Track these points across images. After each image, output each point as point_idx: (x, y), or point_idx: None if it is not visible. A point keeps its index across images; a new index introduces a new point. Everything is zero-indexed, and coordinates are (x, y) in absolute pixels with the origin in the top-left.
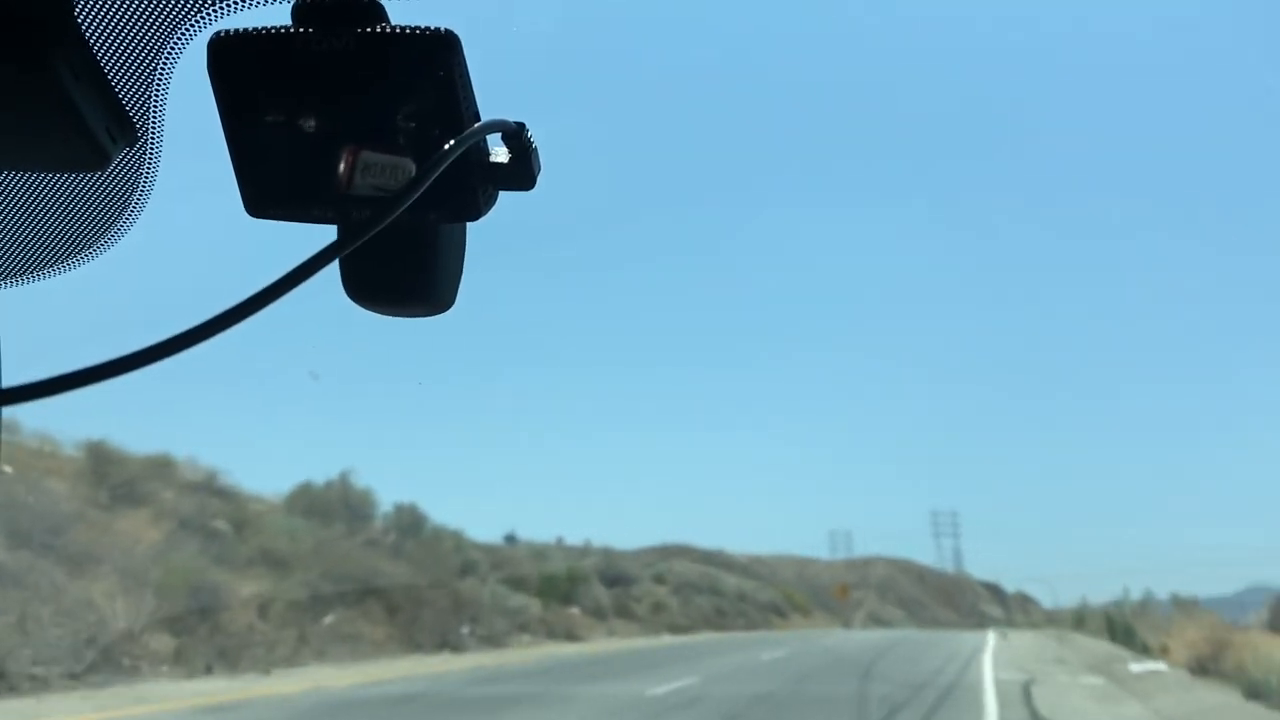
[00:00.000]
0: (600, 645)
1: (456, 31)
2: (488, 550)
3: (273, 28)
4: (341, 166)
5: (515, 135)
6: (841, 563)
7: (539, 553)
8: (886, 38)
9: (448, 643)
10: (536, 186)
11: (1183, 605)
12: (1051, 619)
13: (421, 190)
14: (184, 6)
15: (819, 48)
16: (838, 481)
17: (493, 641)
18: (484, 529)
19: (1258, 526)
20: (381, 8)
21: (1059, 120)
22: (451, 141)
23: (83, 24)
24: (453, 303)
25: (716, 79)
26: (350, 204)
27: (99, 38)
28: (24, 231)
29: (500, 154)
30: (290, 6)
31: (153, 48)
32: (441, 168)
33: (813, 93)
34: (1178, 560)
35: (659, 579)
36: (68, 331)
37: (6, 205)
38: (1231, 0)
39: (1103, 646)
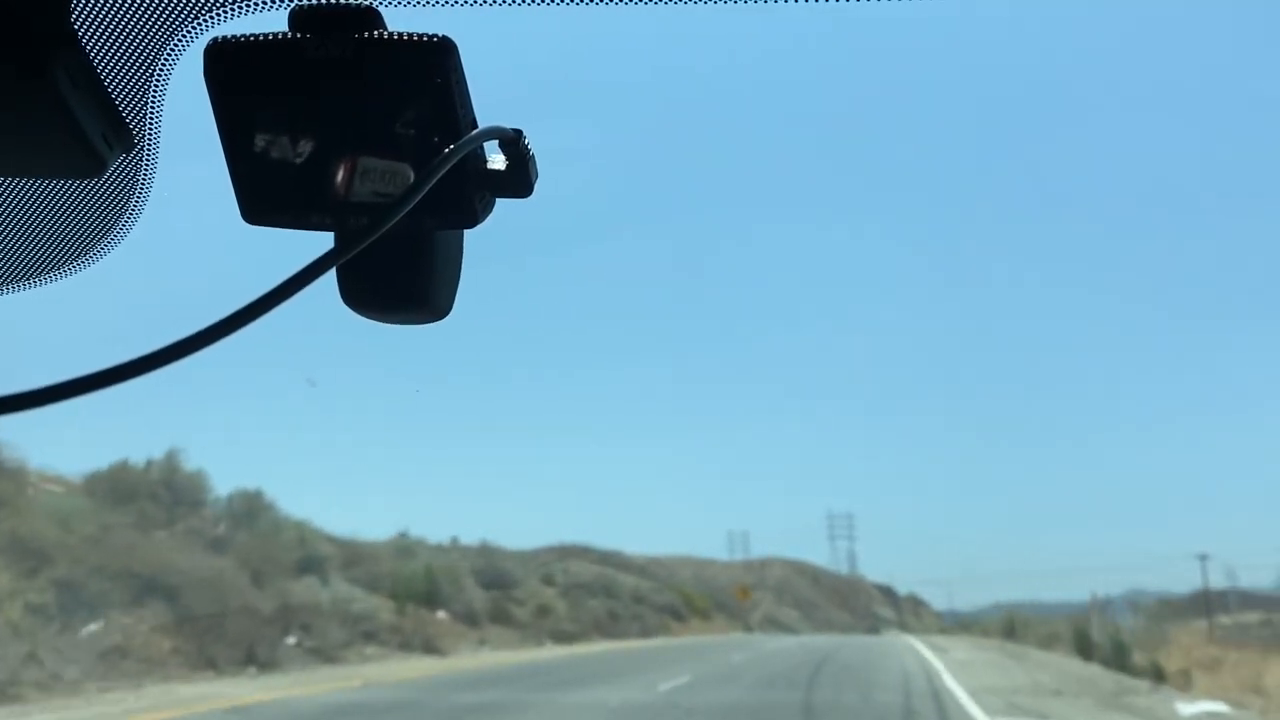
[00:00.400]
0: (451, 662)
1: (454, 38)
2: (343, 545)
3: (269, 34)
4: (338, 173)
5: (513, 142)
6: (739, 564)
7: (406, 549)
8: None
9: (256, 658)
10: (534, 193)
11: (1151, 610)
12: (965, 625)
13: (419, 197)
14: (181, 12)
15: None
16: (737, 483)
17: (324, 655)
18: (376, 527)
19: (1132, 532)
20: (378, 14)
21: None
22: (449, 148)
23: (79, 30)
24: (449, 309)
25: (701, 92)
26: (347, 211)
27: (96, 43)
28: (19, 237)
29: (497, 161)
30: (287, 13)
31: (149, 53)
32: (439, 175)
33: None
34: (1058, 566)
35: (548, 580)
36: (62, 338)
37: (1, 211)
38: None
39: (1083, 669)
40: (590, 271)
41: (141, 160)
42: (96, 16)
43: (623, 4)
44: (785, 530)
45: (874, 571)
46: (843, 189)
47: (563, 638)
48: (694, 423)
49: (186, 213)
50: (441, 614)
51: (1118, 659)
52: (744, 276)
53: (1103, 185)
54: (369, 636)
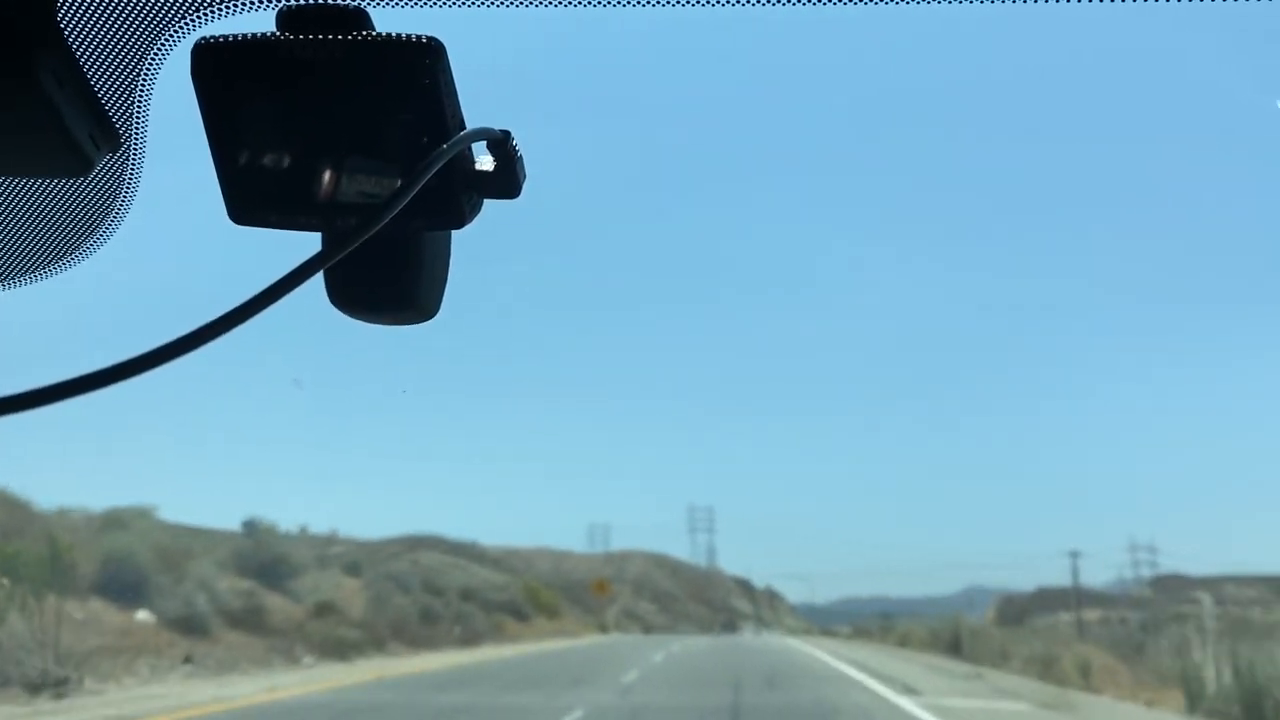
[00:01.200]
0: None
1: (442, 39)
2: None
3: (257, 34)
4: (326, 174)
5: (501, 143)
6: (599, 556)
7: (113, 520)
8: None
9: None
10: (522, 195)
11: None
12: (861, 629)
13: (407, 198)
14: (168, 12)
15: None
16: (599, 476)
17: None
18: (220, 516)
19: (973, 532)
20: (366, 15)
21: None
22: (437, 149)
23: (65, 29)
24: (437, 310)
25: (681, 94)
26: (335, 211)
27: (82, 43)
28: (3, 237)
29: (486, 162)
30: (275, 13)
31: (136, 53)
32: (427, 176)
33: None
34: (910, 562)
35: (351, 569)
36: (45, 340)
37: None
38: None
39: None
40: (456, 267)
41: (128, 160)
42: (82, 16)
43: (611, 6)
44: (647, 523)
45: (733, 564)
46: (719, 189)
47: (335, 649)
48: (558, 416)
49: (173, 213)
50: (144, 614)
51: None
52: (605, 272)
53: (944, 187)
54: None
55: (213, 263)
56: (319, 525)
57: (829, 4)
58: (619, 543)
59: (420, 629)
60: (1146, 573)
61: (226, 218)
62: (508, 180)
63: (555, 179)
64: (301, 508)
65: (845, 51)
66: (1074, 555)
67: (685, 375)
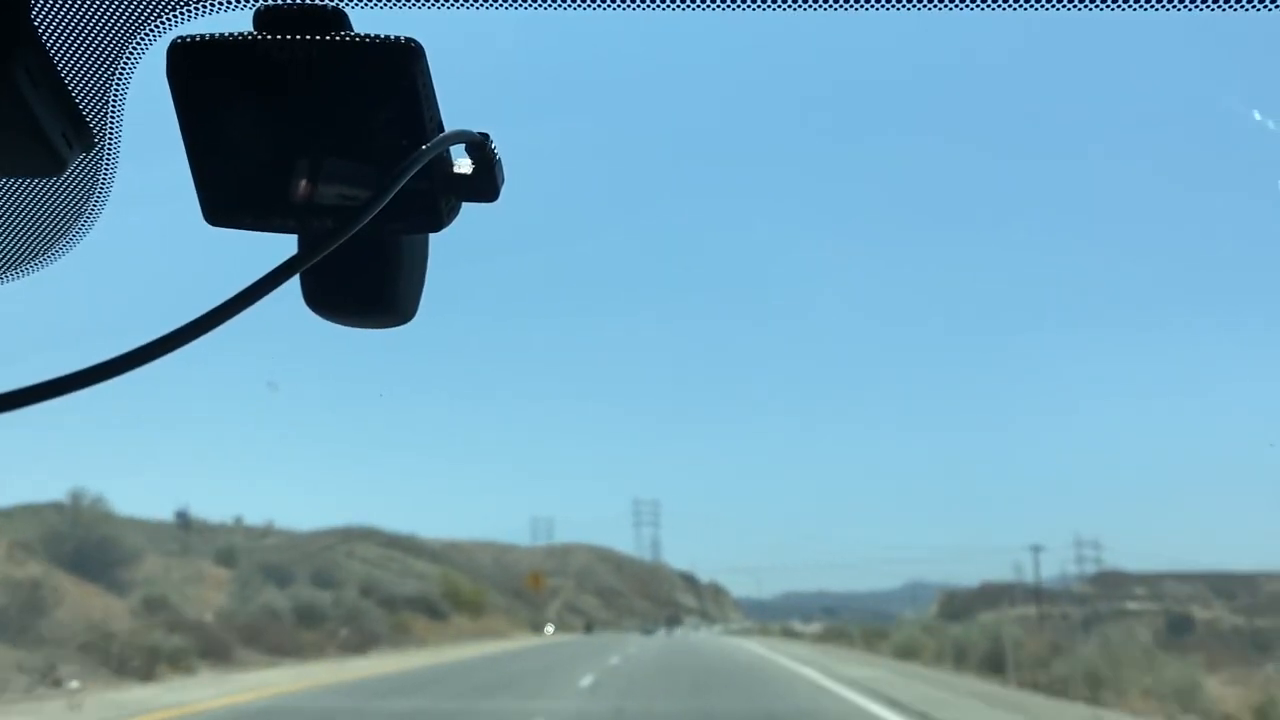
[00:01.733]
0: None
1: (420, 41)
2: None
3: (234, 34)
4: (303, 176)
5: (479, 146)
6: (541, 549)
7: None
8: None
9: None
10: (500, 198)
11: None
12: (836, 631)
13: (385, 201)
14: (143, 11)
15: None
16: (545, 469)
17: None
18: (153, 506)
19: (915, 528)
20: (344, 16)
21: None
22: (415, 152)
23: (39, 27)
24: (414, 314)
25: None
26: (311, 214)
27: (56, 41)
28: None
29: (464, 165)
30: (252, 13)
31: (111, 52)
32: (405, 179)
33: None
34: (852, 557)
35: (224, 558)
36: (12, 342)
37: None
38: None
39: None
40: (433, 269)
41: (102, 160)
42: (57, 15)
43: (591, 8)
44: (592, 517)
45: (678, 559)
46: (673, 195)
47: (145, 661)
48: (506, 409)
49: (148, 214)
50: None
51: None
52: (553, 271)
53: (889, 191)
54: None
55: (188, 264)
56: (256, 517)
57: (794, 9)
58: (564, 537)
59: (295, 632)
60: (1091, 568)
61: (202, 219)
62: (486, 183)
63: (520, 181)
64: (240, 499)
65: (813, 57)
66: (1035, 550)
67: (633, 372)
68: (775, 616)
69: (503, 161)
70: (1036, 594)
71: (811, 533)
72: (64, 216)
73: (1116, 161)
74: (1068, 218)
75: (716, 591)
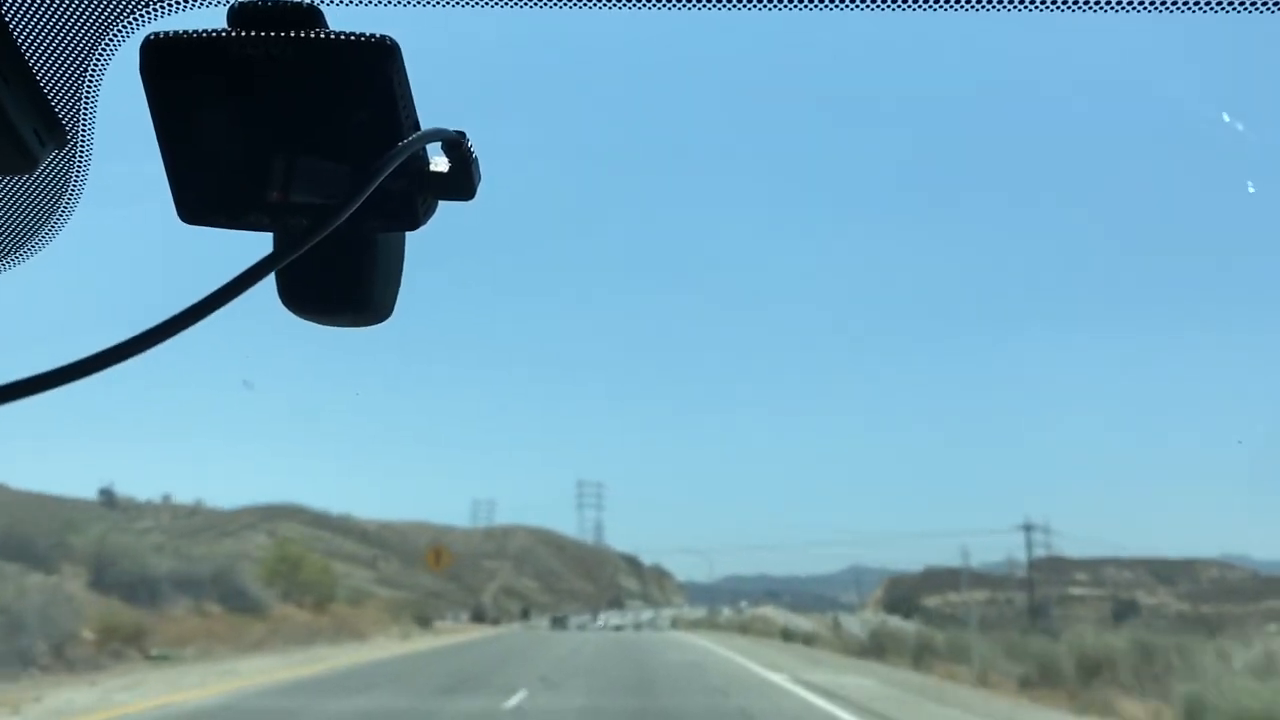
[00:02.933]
0: None
1: (396, 39)
2: None
3: (208, 31)
4: (278, 174)
5: (455, 145)
6: (480, 531)
7: None
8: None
9: None
10: (476, 196)
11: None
12: (756, 621)
13: (361, 200)
14: (117, 7)
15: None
16: (487, 450)
17: None
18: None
19: (855, 512)
20: (320, 13)
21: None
22: (391, 150)
23: (11, 23)
24: (391, 312)
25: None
26: (287, 212)
27: (28, 37)
28: None
29: (440, 163)
30: (226, 10)
31: (84, 48)
32: (381, 177)
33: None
34: (790, 540)
35: None
36: None
37: None
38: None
39: None
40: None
41: (75, 157)
42: (29, 10)
43: (566, 6)
44: (535, 500)
45: (621, 542)
46: (626, 178)
47: None
48: (447, 390)
49: (122, 212)
50: None
51: None
52: (491, 246)
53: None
54: None
55: (162, 263)
56: (187, 495)
57: (763, 9)
58: (506, 519)
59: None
60: (1041, 552)
61: (176, 217)
62: (463, 182)
63: (498, 180)
64: (169, 478)
65: (790, 50)
66: (1027, 529)
67: (578, 353)
68: (718, 600)
69: (479, 160)
70: (1030, 580)
71: (754, 517)
72: (36, 214)
73: (1072, 159)
74: (1021, 210)
75: (660, 575)
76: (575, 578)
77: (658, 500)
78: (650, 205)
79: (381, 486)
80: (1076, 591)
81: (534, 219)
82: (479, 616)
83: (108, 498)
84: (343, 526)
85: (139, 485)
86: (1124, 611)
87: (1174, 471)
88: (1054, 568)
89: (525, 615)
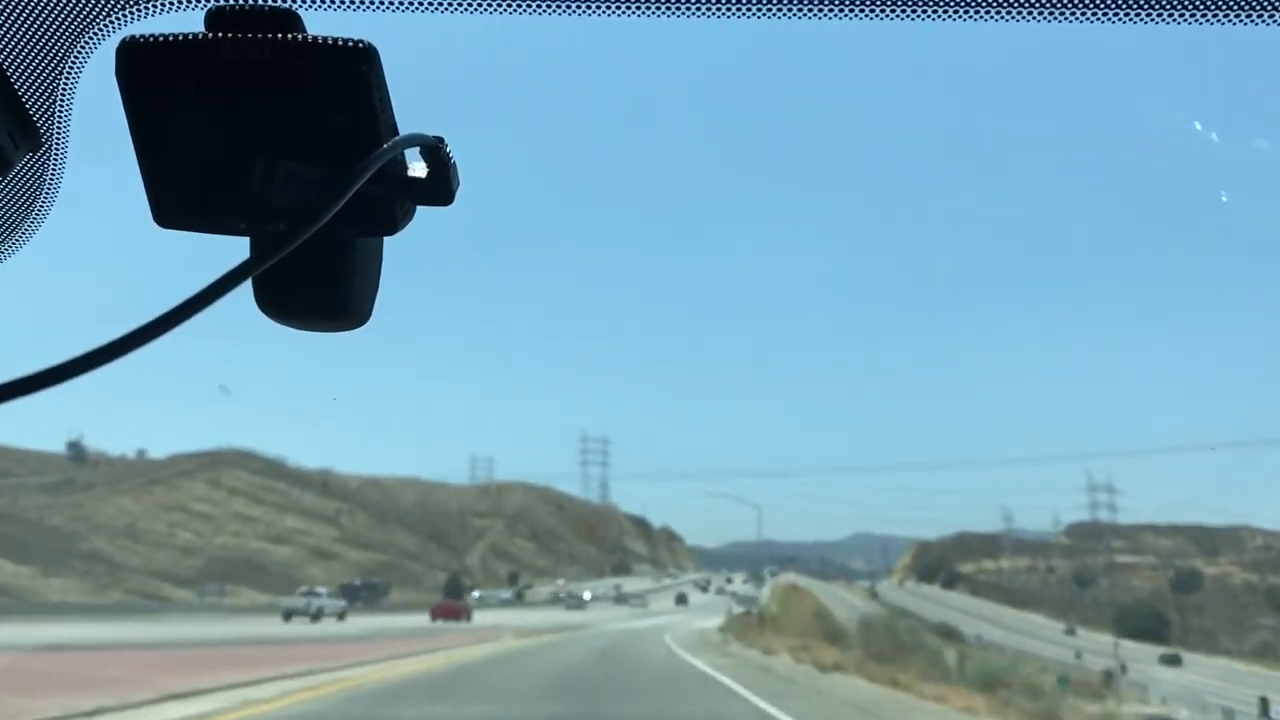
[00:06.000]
0: None
1: (375, 43)
2: None
3: (185, 34)
4: (255, 178)
5: (434, 150)
6: (473, 488)
7: None
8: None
9: None
10: (454, 202)
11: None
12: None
13: (339, 205)
14: (93, 9)
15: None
16: (487, 405)
17: None
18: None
19: (861, 475)
20: (298, 17)
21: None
22: (369, 155)
23: None
24: (369, 317)
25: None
26: (264, 217)
27: (2, 39)
28: None
29: (418, 169)
30: (203, 13)
31: (59, 51)
32: (359, 182)
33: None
34: (792, 506)
35: None
36: None
37: None
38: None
39: None
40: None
41: (49, 160)
42: (3, 12)
43: (545, 13)
44: (536, 457)
45: (629, 502)
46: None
47: None
48: (448, 343)
49: (96, 214)
50: None
51: None
52: (495, 200)
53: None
54: None
55: (136, 266)
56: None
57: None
58: (506, 477)
59: None
60: (1105, 516)
61: (152, 221)
62: (441, 187)
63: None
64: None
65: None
66: (1107, 490)
67: (586, 308)
68: (724, 567)
69: (458, 165)
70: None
71: (762, 482)
72: (10, 217)
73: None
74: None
75: (670, 538)
76: (576, 539)
77: (666, 458)
78: (652, 171)
79: (373, 442)
80: (1126, 559)
81: (536, 184)
82: (453, 589)
83: (76, 451)
84: (301, 478)
85: (109, 439)
86: (1186, 582)
87: (1206, 439)
88: (1091, 534)
89: (514, 581)
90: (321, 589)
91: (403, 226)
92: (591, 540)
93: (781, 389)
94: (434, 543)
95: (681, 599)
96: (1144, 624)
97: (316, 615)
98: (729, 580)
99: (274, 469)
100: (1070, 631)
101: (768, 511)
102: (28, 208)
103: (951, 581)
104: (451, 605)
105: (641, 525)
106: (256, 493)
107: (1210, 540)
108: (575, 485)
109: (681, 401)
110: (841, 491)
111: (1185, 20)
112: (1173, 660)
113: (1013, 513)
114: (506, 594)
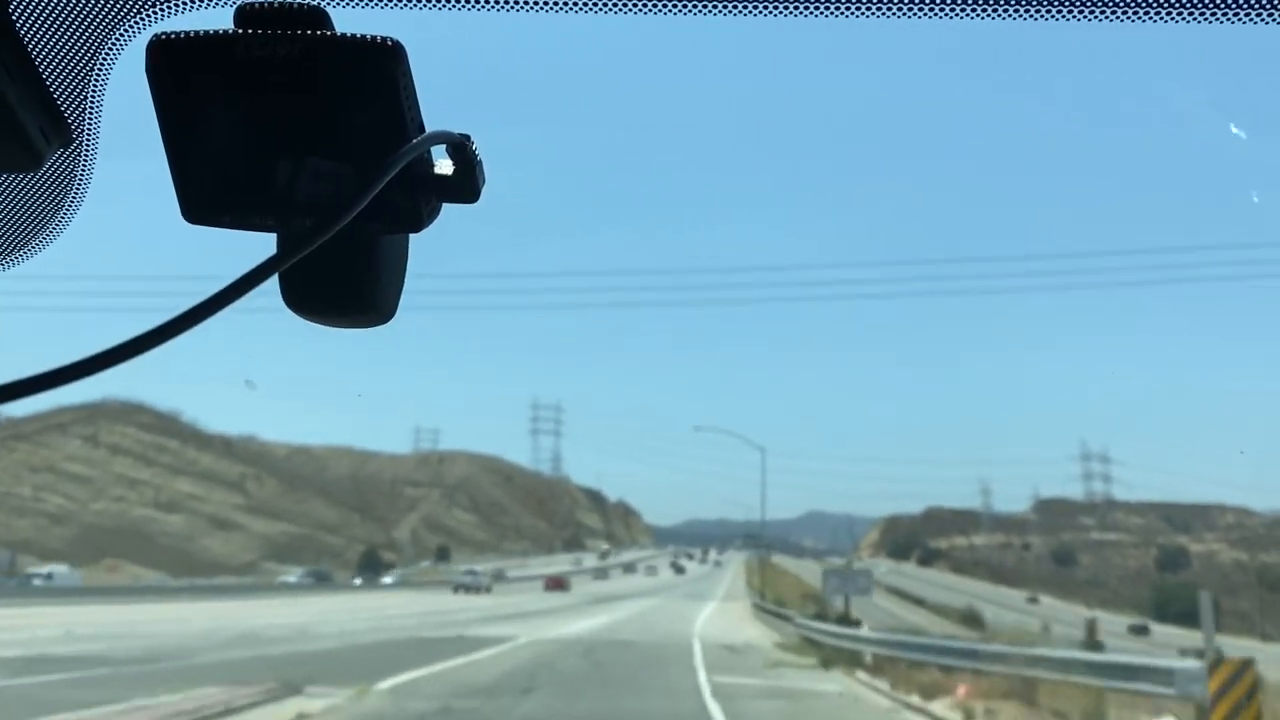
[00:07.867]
0: None
1: (402, 41)
2: None
3: (214, 31)
4: (283, 175)
5: (460, 147)
6: (412, 457)
7: None
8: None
9: None
10: (480, 199)
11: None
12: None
13: (365, 201)
14: (123, 6)
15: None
16: (431, 375)
17: None
18: None
19: (814, 455)
20: (326, 15)
21: None
22: (396, 152)
23: (18, 21)
24: (394, 313)
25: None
26: (291, 213)
27: (35, 35)
28: None
29: (445, 166)
30: (232, 10)
31: (90, 47)
32: (386, 179)
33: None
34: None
35: None
36: None
37: None
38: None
39: None
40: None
41: (80, 156)
42: (37, 8)
43: (570, 11)
44: (485, 427)
45: (582, 474)
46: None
47: None
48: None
49: (126, 210)
50: None
51: None
52: None
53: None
54: None
55: (165, 261)
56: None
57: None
58: (449, 446)
59: None
60: (1100, 486)
61: (180, 217)
62: (467, 185)
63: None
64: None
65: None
66: (1103, 459)
67: (542, 285)
68: (681, 543)
69: (483, 163)
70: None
71: (720, 458)
72: (41, 212)
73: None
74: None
75: (626, 513)
76: (524, 512)
77: (620, 431)
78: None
79: (317, 413)
80: (1107, 536)
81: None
82: (370, 564)
83: None
84: (199, 437)
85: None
86: (1172, 560)
87: (1186, 421)
88: (1056, 510)
89: (443, 558)
90: (478, 568)
91: (428, 224)
92: (541, 514)
93: (745, 369)
94: (358, 514)
95: (679, 569)
96: (1188, 608)
97: (486, 589)
98: (690, 556)
99: (167, 425)
100: (1034, 600)
101: (725, 489)
102: (58, 203)
103: (928, 559)
104: (559, 578)
105: (596, 499)
106: (145, 452)
107: (1182, 517)
108: (526, 455)
109: (638, 376)
110: (794, 470)
111: (1220, 20)
112: (1140, 630)
113: (990, 485)
114: (481, 570)
